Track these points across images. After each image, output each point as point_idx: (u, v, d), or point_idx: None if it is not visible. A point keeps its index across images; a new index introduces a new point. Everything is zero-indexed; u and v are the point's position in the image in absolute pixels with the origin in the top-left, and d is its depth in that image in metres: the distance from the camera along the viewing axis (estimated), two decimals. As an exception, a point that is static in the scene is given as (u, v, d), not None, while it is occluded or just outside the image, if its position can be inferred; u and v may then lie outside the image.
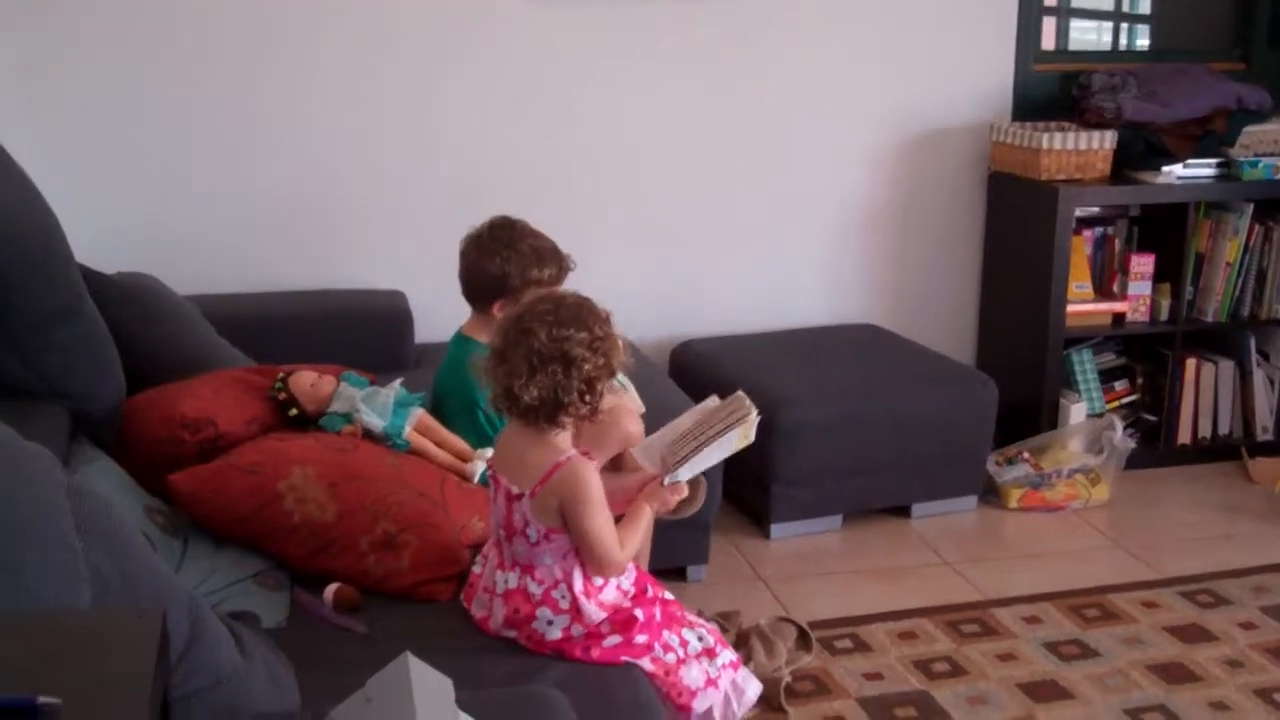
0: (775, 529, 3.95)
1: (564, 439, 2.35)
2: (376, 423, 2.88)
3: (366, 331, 3.91)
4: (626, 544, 2.37)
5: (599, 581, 2.39)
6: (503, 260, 2.96)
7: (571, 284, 4.29)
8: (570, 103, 4.25)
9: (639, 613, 2.39)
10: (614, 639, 2.36)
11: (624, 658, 2.36)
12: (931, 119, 4.55)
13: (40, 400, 2.68)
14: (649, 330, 4.43)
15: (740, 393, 2.48)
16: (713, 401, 2.58)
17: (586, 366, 2.26)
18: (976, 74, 4.56)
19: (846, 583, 3.68)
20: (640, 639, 2.37)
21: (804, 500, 3.96)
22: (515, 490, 2.34)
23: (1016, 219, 4.50)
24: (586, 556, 2.34)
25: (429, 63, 4.11)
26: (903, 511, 4.10)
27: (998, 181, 4.56)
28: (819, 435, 3.88)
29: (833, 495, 4.00)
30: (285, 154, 4.08)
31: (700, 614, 3.30)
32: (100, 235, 3.91)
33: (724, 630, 3.27)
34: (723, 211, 4.47)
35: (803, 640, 3.29)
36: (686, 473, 2.45)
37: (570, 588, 2.35)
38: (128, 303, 3.24)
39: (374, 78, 4.08)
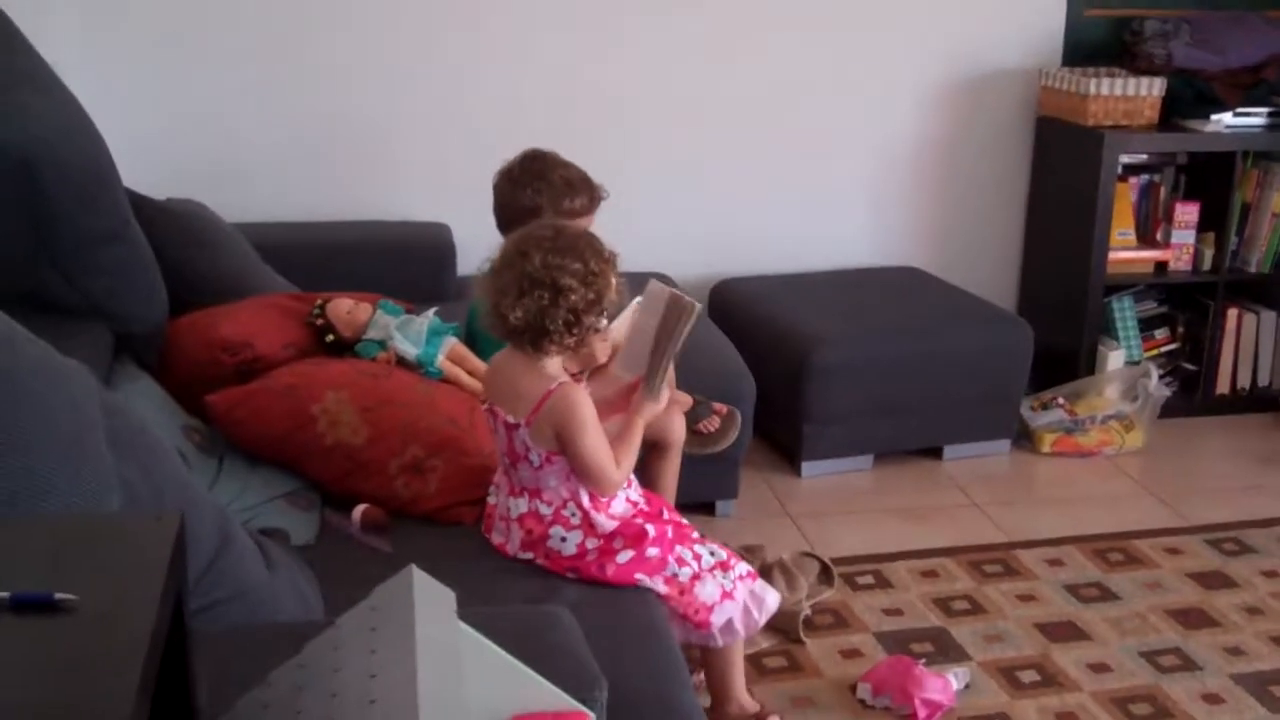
0: (806, 467, 4.01)
1: (554, 365, 2.40)
2: (410, 350, 2.95)
3: (410, 262, 3.97)
4: (622, 460, 2.44)
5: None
6: (534, 192, 3.01)
7: (611, 220, 4.33)
8: (617, 34, 4.28)
9: (650, 528, 2.46)
10: (627, 553, 2.43)
11: (638, 575, 2.42)
12: (981, 61, 4.54)
13: (85, 320, 2.76)
14: (689, 268, 4.47)
15: (661, 286, 2.48)
16: (656, 292, 2.66)
17: (574, 297, 2.29)
18: (1028, 17, 4.53)
19: (873, 521, 3.73)
20: (652, 552, 2.44)
21: (836, 439, 4.00)
22: (511, 420, 2.41)
23: (1062, 164, 4.49)
24: (583, 477, 2.41)
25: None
26: (935, 453, 4.14)
27: (1045, 126, 4.55)
28: (851, 374, 3.91)
29: (864, 435, 4.05)
30: (334, 86, 4.15)
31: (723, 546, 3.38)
32: (152, 162, 4.00)
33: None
34: (766, 148, 4.48)
35: (825, 575, 3.35)
36: (663, 386, 2.49)
37: (579, 504, 2.43)
38: (175, 227, 3.33)
39: (422, 6, 4.12)
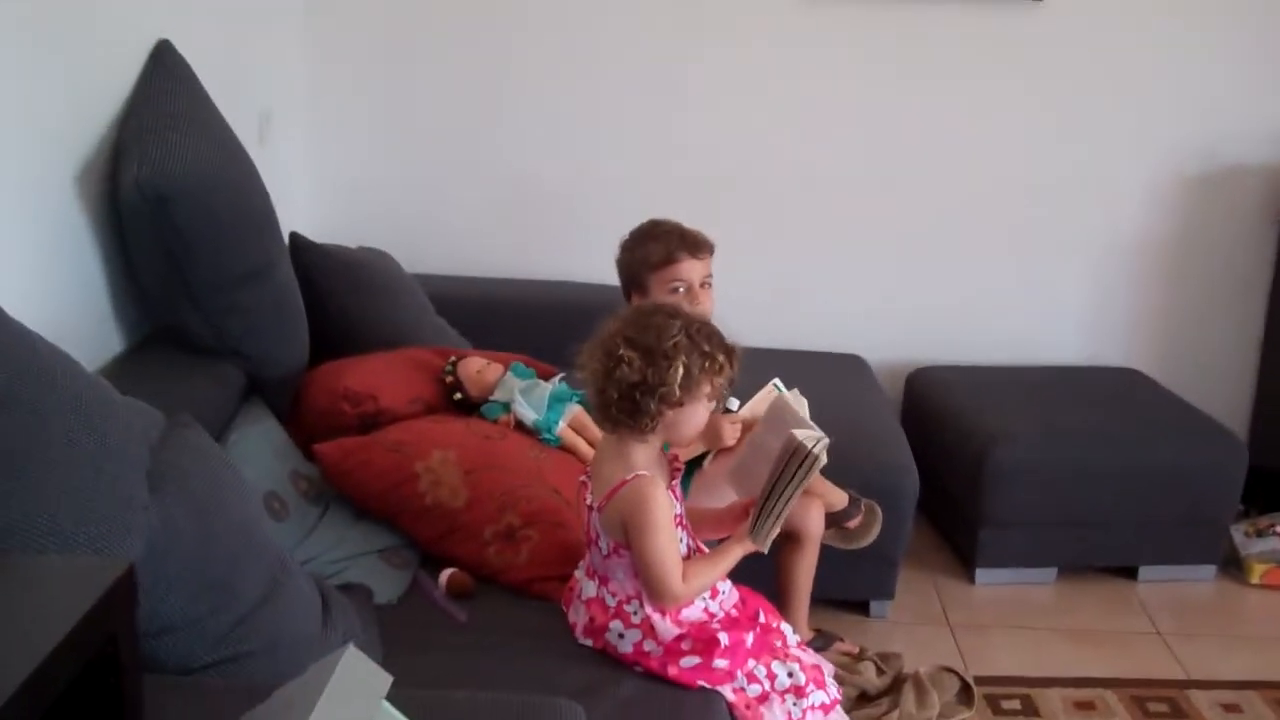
0: (980, 574, 3.75)
1: (640, 454, 2.26)
2: (529, 415, 2.89)
3: (587, 323, 3.92)
4: (695, 578, 2.27)
5: (680, 601, 2.32)
6: (630, 254, 2.97)
7: (808, 303, 4.27)
8: (829, 108, 4.16)
9: (724, 636, 2.30)
10: (692, 659, 2.28)
11: (700, 681, 2.27)
12: (1220, 154, 4.19)
13: (220, 358, 2.82)
14: (887, 351, 4.30)
15: (792, 429, 2.29)
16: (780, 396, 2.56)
17: (626, 370, 2.17)
18: (1273, 108, 4.17)
19: (1039, 640, 3.45)
20: (720, 664, 2.28)
21: (1016, 547, 3.74)
22: (589, 501, 2.31)
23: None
24: (643, 581, 2.27)
25: (684, 62, 4.12)
26: (1130, 573, 3.81)
27: (1291, 227, 4.18)
28: (1036, 479, 3.65)
29: (1048, 545, 3.76)
30: (540, 147, 4.18)
31: (862, 651, 3.19)
32: (352, 209, 4.14)
33: (879, 672, 3.13)
34: (980, 233, 4.27)
35: (964, 694, 3.11)
36: (775, 529, 2.33)
37: (643, 604, 2.29)
38: (342, 274, 3.39)
39: (631, 75, 4.12)
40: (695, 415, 2.25)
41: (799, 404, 2.78)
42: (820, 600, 3.40)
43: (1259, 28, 4.09)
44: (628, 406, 2.19)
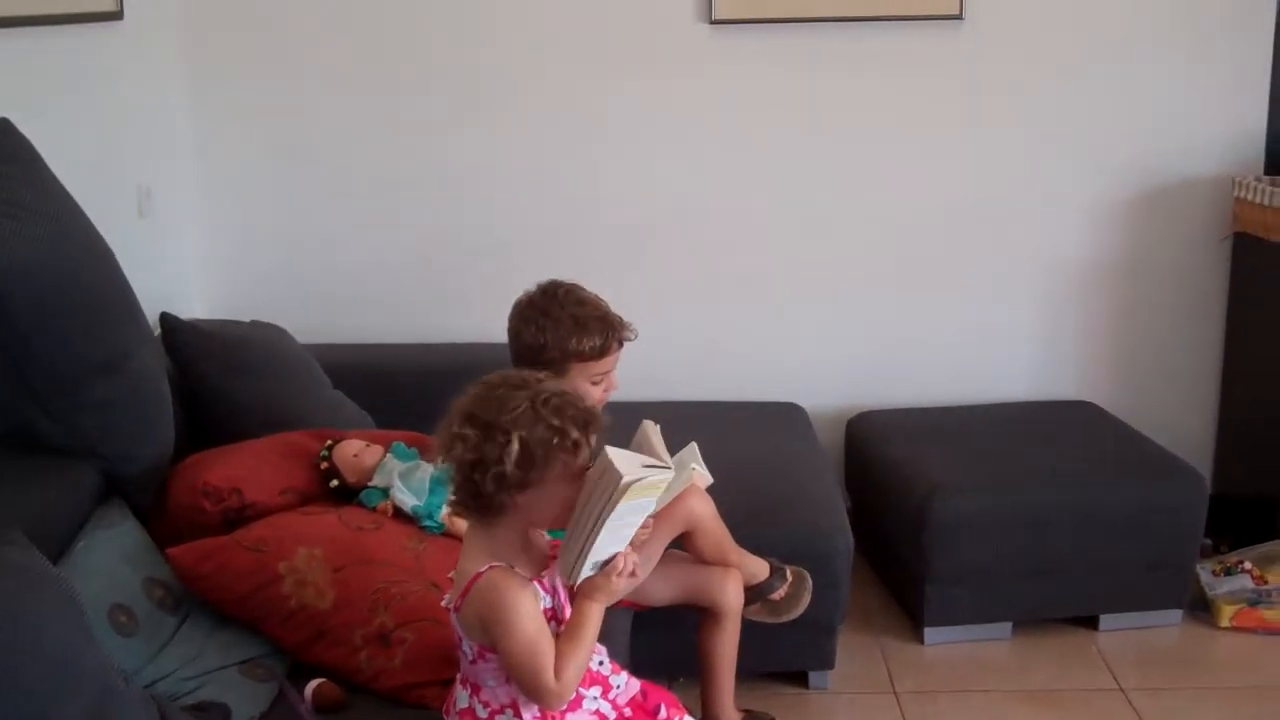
0: (929, 633, 3.51)
1: (499, 544, 2.01)
2: (408, 500, 2.66)
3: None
4: (565, 666, 1.99)
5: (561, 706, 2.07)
6: (538, 329, 2.67)
7: (741, 343, 4.04)
8: (755, 147, 3.95)
9: (611, 749, 2.06)
10: (584, 775, 2.05)
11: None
12: (1165, 171, 3.98)
13: (71, 458, 2.60)
14: (825, 398, 4.09)
15: (605, 453, 1.98)
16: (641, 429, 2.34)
17: (461, 449, 1.95)
18: (1221, 122, 3.95)
19: (993, 705, 3.21)
20: (617, 778, 2.04)
21: (965, 603, 3.50)
22: (444, 601, 2.07)
23: (1267, 289, 3.87)
24: (516, 685, 2.02)
25: (599, 104, 3.93)
26: (1090, 622, 3.57)
27: (1243, 245, 3.95)
28: (983, 529, 3.42)
29: (1001, 599, 3.52)
30: (448, 201, 3.99)
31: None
32: (251, 278, 3.94)
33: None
34: (916, 268, 4.06)
35: (906, 773, 2.87)
36: (589, 569, 2.03)
37: (518, 714, 2.05)
38: (219, 355, 3.17)
39: (543, 121, 3.94)
40: (552, 498, 1.99)
41: (655, 436, 2.51)
42: (753, 674, 3.18)
43: (1197, 35, 3.89)
44: (470, 489, 1.96)
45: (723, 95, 3.91)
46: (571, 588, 2.07)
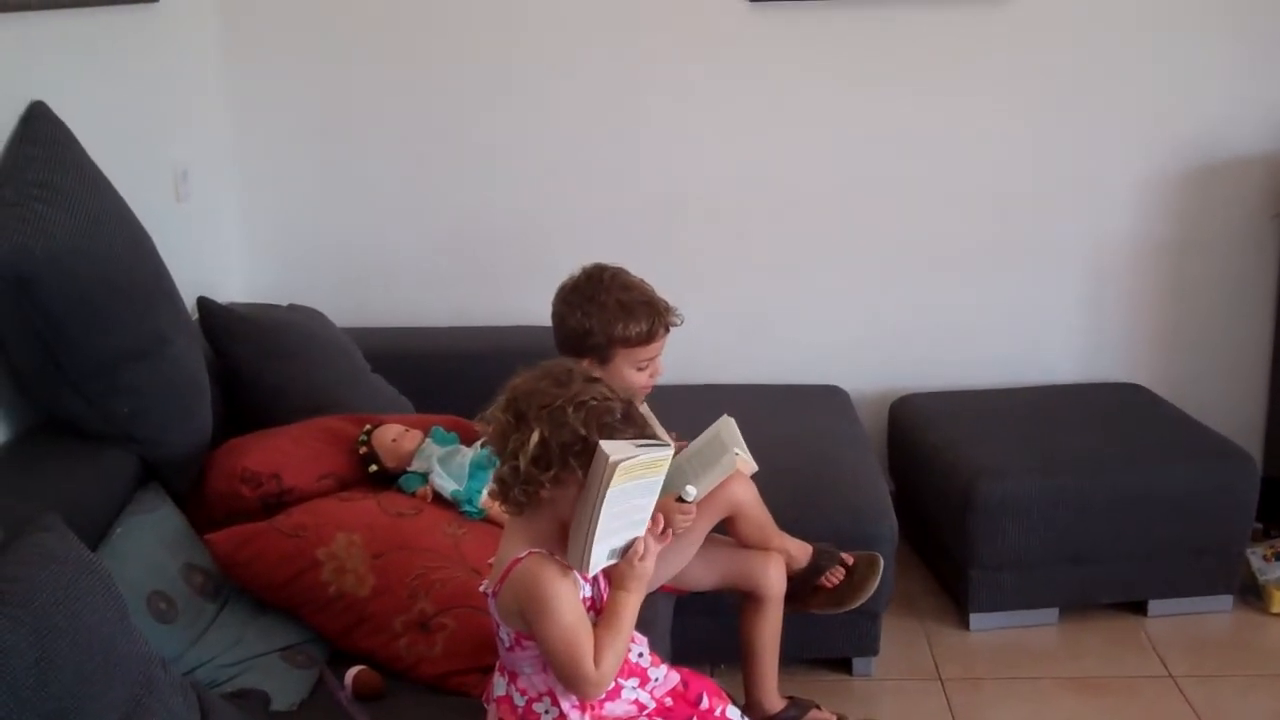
0: (975, 619, 3.46)
1: (538, 531, 1.99)
2: (448, 485, 2.63)
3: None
4: (604, 655, 1.96)
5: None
6: (583, 314, 2.62)
7: (781, 325, 3.99)
8: (794, 126, 3.88)
9: (651, 733, 2.03)
10: (620, 757, 2.01)
11: (622, 785, 2.01)
12: (1214, 147, 3.88)
13: (109, 444, 2.58)
14: (868, 380, 4.02)
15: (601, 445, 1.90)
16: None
17: (499, 445, 1.95)
18: (1271, 97, 3.85)
19: (1039, 692, 3.15)
20: (650, 761, 2.01)
21: (1011, 588, 3.44)
22: (483, 587, 2.04)
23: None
24: (555, 673, 1.99)
25: (636, 82, 3.86)
26: (1138, 608, 3.51)
27: (1295, 221, 3.87)
28: (1029, 513, 3.35)
29: (1048, 584, 3.46)
30: (485, 183, 3.93)
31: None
32: (290, 263, 3.91)
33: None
34: (961, 248, 3.97)
35: (954, 762, 2.83)
36: (604, 555, 1.98)
37: (555, 703, 2.02)
38: (257, 339, 3.15)
39: (580, 100, 3.86)
40: (573, 498, 1.94)
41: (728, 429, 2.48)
42: (797, 660, 3.14)
43: (1247, 8, 3.79)
44: (501, 475, 1.94)
45: (762, 74, 3.84)
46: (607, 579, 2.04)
